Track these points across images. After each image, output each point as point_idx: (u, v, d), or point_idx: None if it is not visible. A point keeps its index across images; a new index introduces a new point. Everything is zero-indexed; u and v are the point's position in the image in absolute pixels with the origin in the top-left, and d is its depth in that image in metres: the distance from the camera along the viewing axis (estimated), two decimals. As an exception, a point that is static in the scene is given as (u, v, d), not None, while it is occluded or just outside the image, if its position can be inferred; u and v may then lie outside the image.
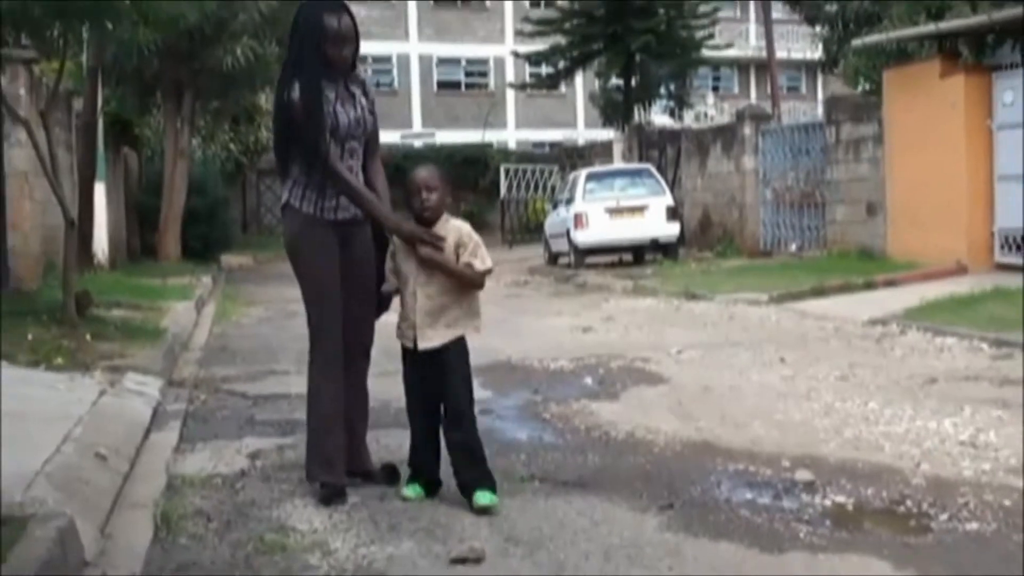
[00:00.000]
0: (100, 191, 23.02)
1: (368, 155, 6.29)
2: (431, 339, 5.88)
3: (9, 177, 15.17)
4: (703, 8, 36.13)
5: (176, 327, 13.25)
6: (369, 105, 6.27)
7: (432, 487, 6.01)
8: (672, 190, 26.72)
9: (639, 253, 25.81)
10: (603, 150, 36.00)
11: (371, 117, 6.27)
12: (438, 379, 5.92)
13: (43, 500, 5.11)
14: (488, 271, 5.91)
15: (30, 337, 10.59)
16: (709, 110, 51.02)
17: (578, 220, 25.13)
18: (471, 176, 44.85)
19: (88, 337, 11.25)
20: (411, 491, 5.96)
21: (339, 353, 6.17)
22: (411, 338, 5.92)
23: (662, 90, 37.55)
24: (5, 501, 4.98)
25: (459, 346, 5.94)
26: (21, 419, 7.00)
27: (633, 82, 35.43)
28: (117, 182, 26.90)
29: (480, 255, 5.90)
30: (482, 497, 5.67)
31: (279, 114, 6.18)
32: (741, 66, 59.32)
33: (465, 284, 5.93)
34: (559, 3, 40.44)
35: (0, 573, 4.05)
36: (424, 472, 6.01)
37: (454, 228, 5.95)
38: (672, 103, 38.55)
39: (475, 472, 5.82)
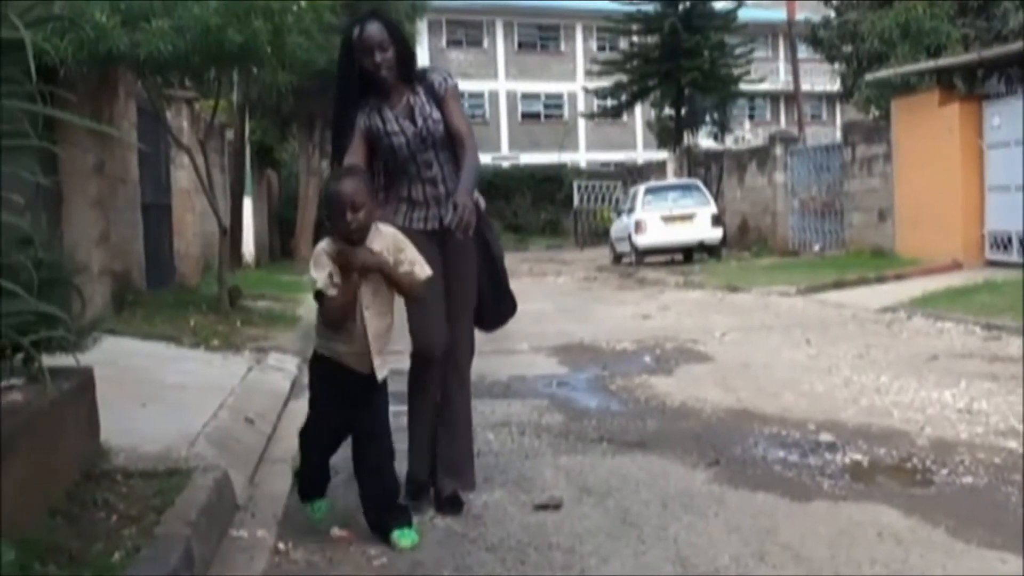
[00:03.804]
0: (248, 204, 23.32)
1: (460, 151, 4.91)
2: (382, 366, 4.49)
3: (175, 194, 15.38)
4: (741, 50, 35.87)
5: (310, 314, 13.30)
6: (434, 111, 4.93)
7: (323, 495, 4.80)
8: (716, 201, 26.61)
9: (689, 253, 25.74)
10: (658, 168, 35.87)
11: (435, 125, 4.91)
12: (364, 406, 4.52)
13: (203, 455, 5.16)
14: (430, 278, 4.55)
15: (192, 323, 10.69)
16: (746, 134, 50.54)
17: (638, 226, 25.13)
18: (549, 191, 44.95)
19: (238, 323, 11.34)
20: (318, 508, 4.74)
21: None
22: (366, 365, 4.44)
23: (707, 118, 37.29)
24: (172, 456, 5.05)
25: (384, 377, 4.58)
26: (186, 390, 7.10)
27: (683, 111, 35.20)
28: (261, 197, 27.21)
29: (420, 262, 4.47)
30: (403, 537, 4.37)
31: None
32: (772, 97, 58.69)
33: (404, 294, 4.53)
34: (621, 47, 40.38)
35: (168, 515, 4.10)
36: (319, 484, 4.78)
37: (387, 237, 4.47)
38: (715, 129, 38.25)
39: (391, 511, 4.50)
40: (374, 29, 4.80)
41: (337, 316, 4.40)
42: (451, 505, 4.88)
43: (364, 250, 4.32)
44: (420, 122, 4.90)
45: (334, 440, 4.73)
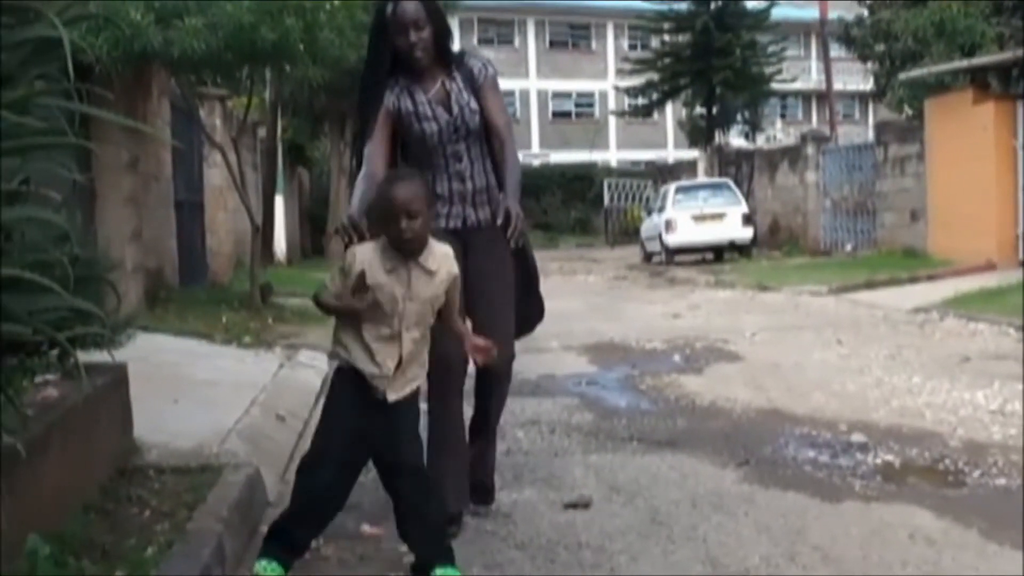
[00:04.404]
0: (279, 202, 23.42)
1: (498, 148, 4.57)
2: (399, 389, 3.92)
3: (208, 191, 15.47)
4: (773, 48, 35.75)
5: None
6: (472, 100, 4.54)
7: (294, 558, 3.90)
8: (747, 200, 26.53)
9: (719, 252, 25.67)
10: (689, 167, 35.76)
11: (472, 115, 4.52)
12: (388, 432, 3.94)
13: (235, 452, 5.18)
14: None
15: (224, 320, 10.73)
16: (777, 133, 50.30)
17: (668, 225, 25.13)
18: (580, 189, 45.01)
19: (270, 320, 11.38)
20: (270, 569, 3.79)
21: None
22: (381, 389, 3.88)
23: (738, 117, 37.19)
24: (204, 452, 5.08)
25: (415, 395, 4.05)
26: (218, 386, 7.12)
27: (714, 110, 35.12)
28: (293, 195, 27.32)
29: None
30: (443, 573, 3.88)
31: None
32: (804, 96, 58.50)
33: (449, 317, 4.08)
34: (653, 46, 40.32)
35: (200, 511, 4.13)
36: (298, 542, 3.93)
37: (444, 258, 3.96)
38: (746, 128, 38.15)
39: (434, 545, 3.94)
40: (410, 6, 4.39)
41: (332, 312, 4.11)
42: (478, 493, 4.73)
43: (416, 269, 3.86)
44: (456, 110, 4.52)
45: (339, 472, 3.95)
